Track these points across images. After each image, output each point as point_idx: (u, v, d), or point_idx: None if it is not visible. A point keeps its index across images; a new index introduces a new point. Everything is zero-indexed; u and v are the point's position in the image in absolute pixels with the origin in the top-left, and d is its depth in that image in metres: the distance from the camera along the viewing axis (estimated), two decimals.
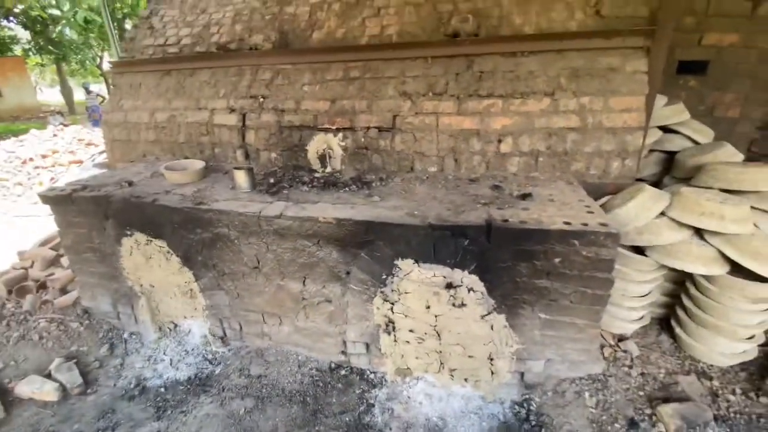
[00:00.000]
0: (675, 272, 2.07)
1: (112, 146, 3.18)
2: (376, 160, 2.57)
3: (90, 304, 2.70)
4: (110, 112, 3.19)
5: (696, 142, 2.49)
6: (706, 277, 1.88)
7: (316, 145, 2.64)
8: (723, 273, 1.80)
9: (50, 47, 17.07)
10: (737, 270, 1.81)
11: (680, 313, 2.06)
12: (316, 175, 2.59)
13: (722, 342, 1.89)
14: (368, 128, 2.52)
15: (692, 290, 1.96)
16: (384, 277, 1.97)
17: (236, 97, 2.80)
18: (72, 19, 9.39)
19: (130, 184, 2.45)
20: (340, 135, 2.58)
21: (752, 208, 1.90)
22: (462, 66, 2.42)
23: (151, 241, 2.33)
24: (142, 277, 2.50)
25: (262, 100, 2.73)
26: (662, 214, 1.91)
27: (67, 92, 18.60)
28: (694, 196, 1.82)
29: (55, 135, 7.29)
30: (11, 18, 14.40)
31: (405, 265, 1.91)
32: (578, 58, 2.27)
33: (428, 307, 1.94)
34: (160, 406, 2.12)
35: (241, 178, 2.29)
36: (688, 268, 1.82)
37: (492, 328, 1.91)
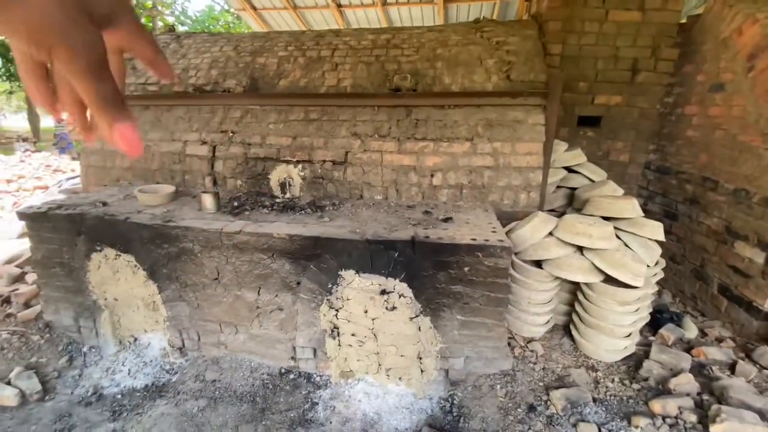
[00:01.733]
0: (570, 284, 2.54)
1: (87, 171, 3.42)
2: (331, 189, 2.97)
3: (52, 318, 2.82)
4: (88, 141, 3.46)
5: (592, 180, 3.08)
6: (588, 285, 2.35)
7: (278, 174, 3.02)
8: (597, 281, 2.27)
9: None
10: (611, 279, 2.29)
11: (575, 317, 2.50)
12: (277, 200, 2.94)
13: (604, 340, 2.33)
14: (324, 161, 2.94)
15: (580, 297, 2.42)
16: (329, 286, 2.30)
17: (208, 131, 3.17)
18: None
19: (104, 204, 2.71)
20: (300, 166, 2.98)
21: (621, 230, 2.43)
22: (402, 114, 2.93)
23: (119, 255, 2.56)
24: (107, 291, 2.69)
25: (231, 134, 3.12)
26: (551, 234, 2.39)
27: (33, 119, 18.27)
28: (572, 220, 2.32)
29: (22, 161, 7.29)
30: None
31: (347, 275, 2.26)
32: (492, 111, 2.83)
33: (366, 312, 2.27)
34: (116, 410, 2.27)
35: (208, 201, 2.61)
36: (571, 277, 2.29)
37: (419, 329, 2.26)
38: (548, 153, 2.74)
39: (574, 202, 2.98)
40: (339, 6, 6.47)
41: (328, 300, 2.33)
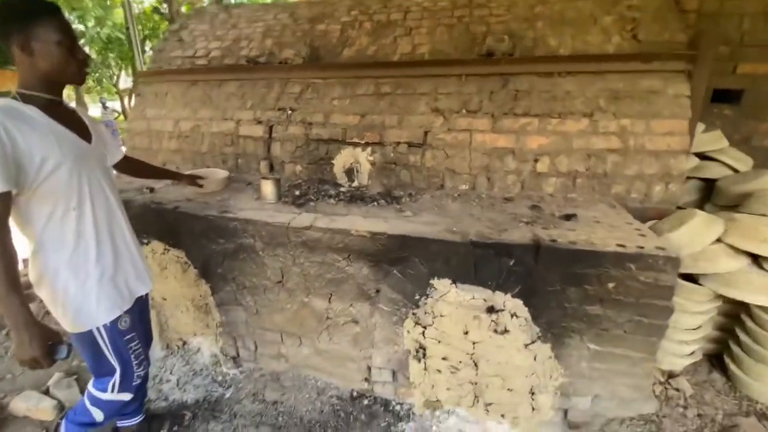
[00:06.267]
0: (728, 304, 1.94)
1: (131, 154, 3.12)
2: (405, 176, 2.49)
3: None
4: (133, 120, 3.16)
5: (735, 170, 2.42)
6: (764, 309, 1.74)
7: (343, 159, 2.57)
8: None
9: None
10: None
11: (735, 348, 1.90)
12: (342, 189, 2.50)
13: None
14: (398, 143, 2.46)
15: (749, 323, 1.82)
16: (417, 297, 1.84)
17: (264, 108, 2.77)
18: (96, 36, 9.68)
19: (151, 190, 2.37)
20: (369, 149, 2.51)
21: None
22: (497, 85, 2.39)
23: (168, 250, 2.21)
24: (153, 289, 2.36)
25: (290, 112, 2.69)
26: (718, 240, 1.80)
27: (81, 108, 18.99)
28: (753, 223, 1.72)
29: None
30: None
31: (441, 285, 1.79)
32: (617, 80, 2.23)
33: (466, 333, 1.79)
34: None
35: (268, 188, 2.20)
36: (748, 298, 1.69)
37: (535, 359, 1.76)
38: (693, 133, 2.12)
39: (714, 198, 2.34)
40: None
41: (414, 314, 1.87)
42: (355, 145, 2.54)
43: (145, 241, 2.24)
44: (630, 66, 2.21)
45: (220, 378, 2.29)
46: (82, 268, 1.38)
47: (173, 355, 2.49)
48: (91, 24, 9.25)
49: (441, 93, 2.46)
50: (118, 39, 10.26)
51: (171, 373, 2.35)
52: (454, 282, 1.77)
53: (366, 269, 1.87)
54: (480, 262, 1.70)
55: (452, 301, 1.79)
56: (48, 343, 1.17)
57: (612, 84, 2.24)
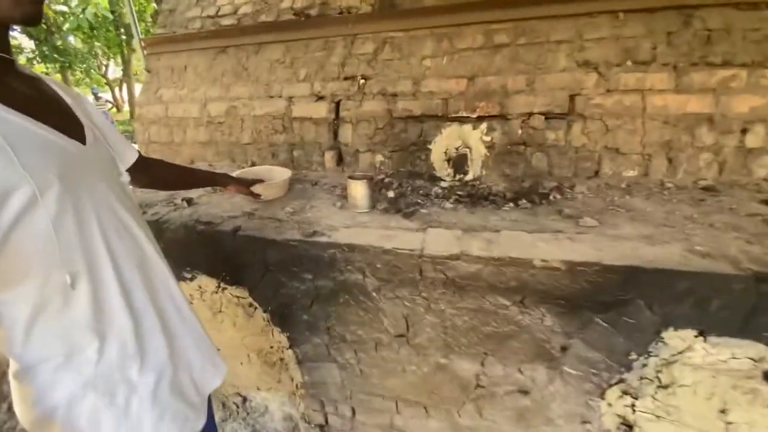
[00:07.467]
0: None
1: (147, 150, 2.41)
2: (538, 162, 1.78)
3: None
4: (145, 105, 2.42)
5: None
6: None
7: (445, 142, 1.86)
8: None
9: (55, 55, 16.55)
10: None
11: None
12: (443, 183, 1.81)
13: None
14: (529, 115, 1.75)
15: None
16: (632, 357, 1.18)
17: (324, 79, 2.03)
18: (81, 15, 8.70)
19: (189, 202, 1.68)
20: (483, 126, 1.80)
21: None
22: (675, 22, 1.64)
23: (224, 288, 1.55)
24: None
25: (363, 82, 1.96)
26: None
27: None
28: None
29: None
30: (15, 28, 13.97)
31: (679, 338, 1.12)
32: None
33: (723, 411, 1.14)
34: None
35: (359, 192, 1.51)
36: None
37: None
38: None
39: None
40: None
41: (622, 380, 1.22)
42: (463, 120, 1.83)
43: (188, 275, 1.58)
44: None
45: None
46: (119, 383, 0.73)
47: (232, 418, 1.87)
48: (74, 3, 8.28)
49: (588, 39, 1.72)
50: (104, 19, 9.25)
51: None
52: (701, 334, 1.11)
53: (551, 318, 1.20)
54: (762, 305, 1.03)
55: (697, 362, 1.13)
56: None
57: None
